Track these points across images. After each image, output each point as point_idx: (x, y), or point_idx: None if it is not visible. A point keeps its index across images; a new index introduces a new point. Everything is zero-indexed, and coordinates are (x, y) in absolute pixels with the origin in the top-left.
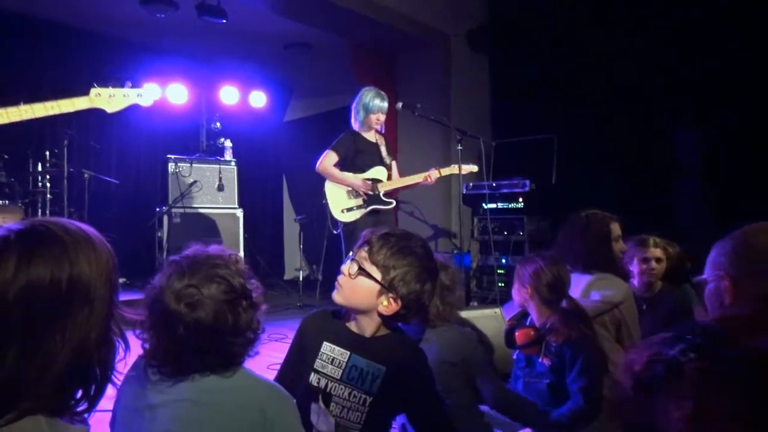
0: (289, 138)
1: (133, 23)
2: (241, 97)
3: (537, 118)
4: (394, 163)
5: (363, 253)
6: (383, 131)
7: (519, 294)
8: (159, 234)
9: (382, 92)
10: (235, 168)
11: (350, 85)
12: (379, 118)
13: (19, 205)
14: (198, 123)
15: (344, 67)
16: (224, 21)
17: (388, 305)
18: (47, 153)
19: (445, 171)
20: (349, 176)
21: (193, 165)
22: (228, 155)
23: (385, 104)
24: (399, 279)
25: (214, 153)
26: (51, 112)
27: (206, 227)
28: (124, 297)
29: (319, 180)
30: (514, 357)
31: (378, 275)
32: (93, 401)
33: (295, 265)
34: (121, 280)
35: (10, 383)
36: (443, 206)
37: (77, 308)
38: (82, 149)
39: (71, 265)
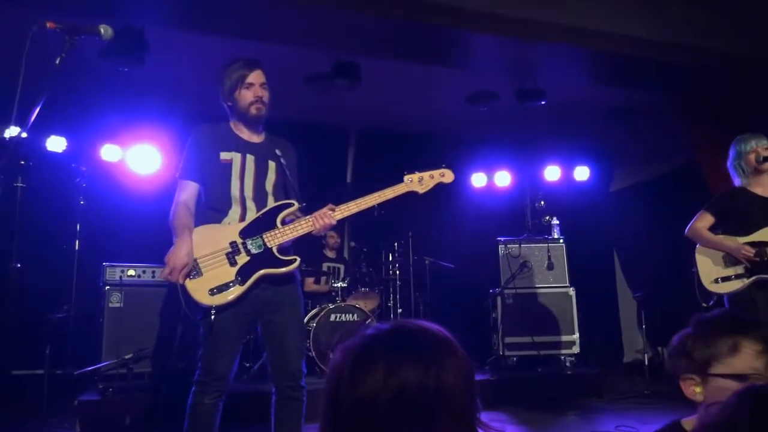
0: (616, 209)
1: (461, 120)
2: (563, 172)
3: None
4: None
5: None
6: None
7: None
8: (493, 315)
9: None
10: (564, 245)
11: (682, 145)
12: (758, 152)
13: (376, 291)
14: (523, 203)
15: (673, 126)
16: (543, 102)
17: None
18: (395, 245)
19: None
20: (724, 239)
21: (522, 245)
22: (555, 233)
23: (764, 140)
24: None
25: (540, 231)
26: (379, 200)
27: (538, 307)
28: None
29: (658, 253)
30: None
31: None
32: None
33: (635, 346)
34: None
35: None
36: None
37: (442, 417)
38: (422, 239)
39: (439, 371)
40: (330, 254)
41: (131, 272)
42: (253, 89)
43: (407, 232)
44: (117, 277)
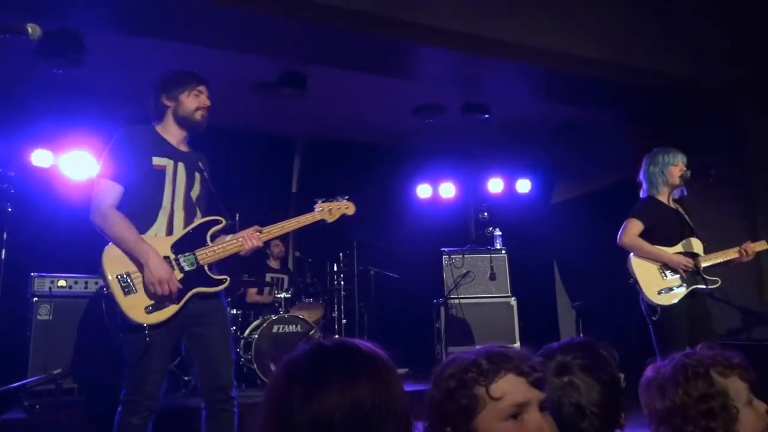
0: (557, 221)
1: (407, 132)
2: (506, 184)
3: None
4: None
5: None
6: (686, 194)
7: None
8: (437, 325)
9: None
10: (506, 256)
11: (620, 160)
12: (682, 168)
13: (320, 302)
14: (467, 214)
15: (613, 142)
16: (487, 116)
17: None
18: (341, 255)
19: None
20: (661, 249)
21: (465, 256)
22: (498, 244)
23: (686, 158)
24: None
25: (483, 242)
26: (296, 227)
27: (481, 317)
28: (407, 389)
29: (596, 264)
30: None
31: None
32: None
33: None
34: (403, 371)
35: None
36: (752, 284)
37: (390, 428)
38: (368, 249)
39: (387, 385)
40: (274, 264)
41: (62, 283)
42: (202, 98)
43: (352, 242)
44: (46, 288)
